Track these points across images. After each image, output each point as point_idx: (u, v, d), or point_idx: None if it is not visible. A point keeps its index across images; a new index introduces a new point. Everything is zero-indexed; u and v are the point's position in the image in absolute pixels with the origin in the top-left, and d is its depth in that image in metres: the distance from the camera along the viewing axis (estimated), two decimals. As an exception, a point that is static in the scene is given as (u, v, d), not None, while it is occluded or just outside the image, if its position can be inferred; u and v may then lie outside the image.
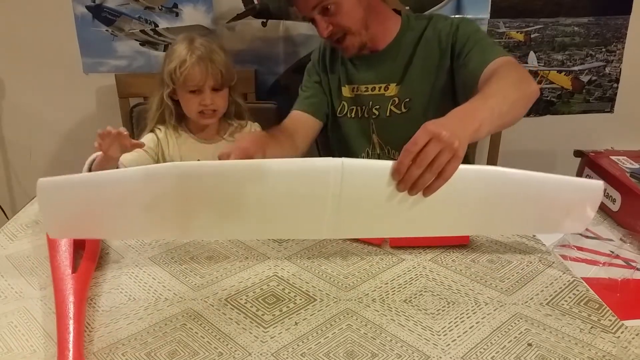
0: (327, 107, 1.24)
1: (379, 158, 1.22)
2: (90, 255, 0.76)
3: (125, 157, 1.09)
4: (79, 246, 0.77)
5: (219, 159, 0.84)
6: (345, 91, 1.20)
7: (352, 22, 1.07)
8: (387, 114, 1.16)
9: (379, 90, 1.16)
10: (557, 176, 0.74)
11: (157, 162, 1.18)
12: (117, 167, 0.97)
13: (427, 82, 1.13)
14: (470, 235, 0.83)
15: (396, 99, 1.15)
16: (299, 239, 0.81)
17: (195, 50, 1.11)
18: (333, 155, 1.14)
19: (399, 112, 1.15)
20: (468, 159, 1.22)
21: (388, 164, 0.69)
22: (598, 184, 0.75)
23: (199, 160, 1.19)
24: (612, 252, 0.79)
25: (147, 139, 1.18)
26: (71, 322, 0.61)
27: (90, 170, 0.96)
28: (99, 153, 0.97)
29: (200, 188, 0.69)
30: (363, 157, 1.23)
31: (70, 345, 0.58)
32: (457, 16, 1.58)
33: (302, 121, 1.20)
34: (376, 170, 0.70)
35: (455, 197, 0.72)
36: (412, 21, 1.16)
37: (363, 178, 0.70)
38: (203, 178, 0.69)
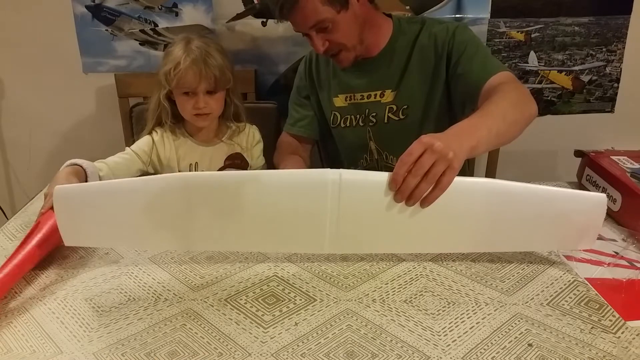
0: (318, 122, 1.25)
1: (377, 164, 1.22)
2: (40, 243, 0.75)
3: (112, 160, 1.09)
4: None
5: None
6: (338, 101, 1.19)
7: (348, 39, 1.07)
8: (385, 121, 1.15)
9: (375, 97, 1.15)
10: (557, 189, 0.74)
11: (150, 165, 1.18)
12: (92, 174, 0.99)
13: (424, 89, 1.12)
14: (473, 252, 0.80)
15: (394, 106, 1.14)
16: (301, 252, 0.80)
17: (190, 52, 1.10)
18: (334, 164, 1.14)
19: (396, 118, 1.14)
20: (465, 172, 1.22)
21: (385, 175, 0.70)
22: (600, 197, 0.73)
23: (196, 162, 1.19)
24: (617, 253, 0.79)
25: (143, 141, 1.18)
26: None
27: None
28: (75, 161, 0.98)
29: (203, 197, 0.72)
30: (362, 164, 1.23)
31: None
32: (451, 19, 1.58)
33: (296, 144, 1.25)
34: (374, 181, 0.71)
35: (453, 210, 0.72)
36: (403, 25, 1.14)
37: (361, 189, 0.71)
38: (205, 187, 0.72)
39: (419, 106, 1.13)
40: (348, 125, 1.20)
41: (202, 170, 1.19)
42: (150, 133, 1.19)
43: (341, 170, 0.70)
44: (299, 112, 1.27)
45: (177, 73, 1.09)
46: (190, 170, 1.20)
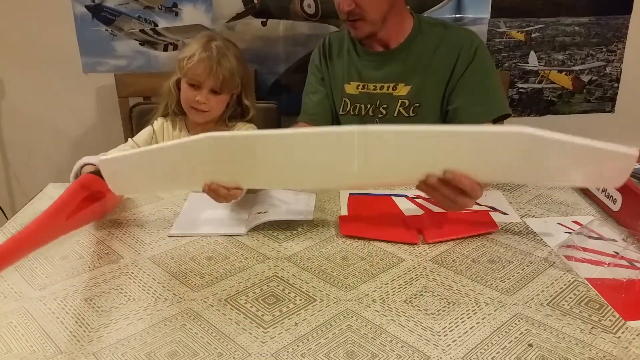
0: (332, 108, 1.24)
1: None
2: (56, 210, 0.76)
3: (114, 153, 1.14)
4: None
5: None
6: (349, 88, 1.20)
7: (374, 11, 1.08)
8: (395, 114, 1.16)
9: (387, 89, 1.16)
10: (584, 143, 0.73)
11: None
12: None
13: (438, 93, 1.14)
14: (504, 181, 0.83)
15: (406, 101, 1.15)
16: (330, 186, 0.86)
17: (207, 49, 1.15)
18: None
19: (406, 115, 1.15)
20: None
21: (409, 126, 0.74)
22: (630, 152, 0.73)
23: None
24: (617, 253, 0.79)
25: (144, 131, 1.24)
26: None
27: (78, 174, 1.02)
28: (89, 157, 1.00)
29: (232, 154, 0.78)
30: None
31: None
32: (451, 20, 1.58)
33: None
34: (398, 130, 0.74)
35: (480, 157, 0.74)
36: (424, 25, 1.16)
37: (387, 135, 0.74)
38: (233, 146, 0.77)
39: (431, 108, 1.14)
40: (357, 113, 1.20)
41: None
42: (152, 124, 1.25)
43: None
44: (312, 99, 1.26)
45: (189, 63, 1.14)
46: None
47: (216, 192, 0.81)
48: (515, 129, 0.69)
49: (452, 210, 0.80)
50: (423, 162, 0.75)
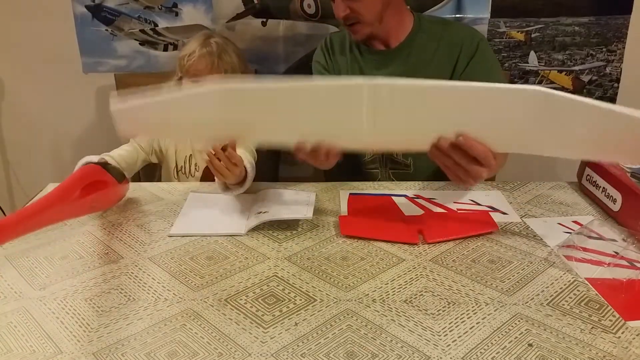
0: None
1: (381, 158, 1.22)
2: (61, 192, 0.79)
3: (117, 153, 1.15)
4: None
5: None
6: None
7: (369, 13, 1.09)
8: None
9: None
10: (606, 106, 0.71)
11: (153, 154, 1.24)
12: (104, 161, 0.99)
13: None
14: (515, 152, 0.79)
15: None
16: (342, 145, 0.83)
17: (207, 45, 1.16)
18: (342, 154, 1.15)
19: None
20: None
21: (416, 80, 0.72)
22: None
23: (190, 154, 1.24)
24: (617, 253, 0.79)
25: None
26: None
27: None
28: (91, 157, 1.00)
29: (242, 105, 0.76)
30: (367, 157, 1.23)
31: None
32: (452, 20, 1.58)
33: None
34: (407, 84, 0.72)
35: (493, 112, 0.71)
36: (424, 23, 1.17)
37: (395, 91, 0.73)
38: (243, 97, 0.76)
39: None
40: None
41: (196, 163, 1.24)
42: None
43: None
44: None
45: (190, 60, 1.14)
46: (185, 163, 1.25)
47: (220, 154, 0.84)
48: (531, 86, 0.68)
49: (464, 183, 0.77)
50: (434, 120, 0.73)
